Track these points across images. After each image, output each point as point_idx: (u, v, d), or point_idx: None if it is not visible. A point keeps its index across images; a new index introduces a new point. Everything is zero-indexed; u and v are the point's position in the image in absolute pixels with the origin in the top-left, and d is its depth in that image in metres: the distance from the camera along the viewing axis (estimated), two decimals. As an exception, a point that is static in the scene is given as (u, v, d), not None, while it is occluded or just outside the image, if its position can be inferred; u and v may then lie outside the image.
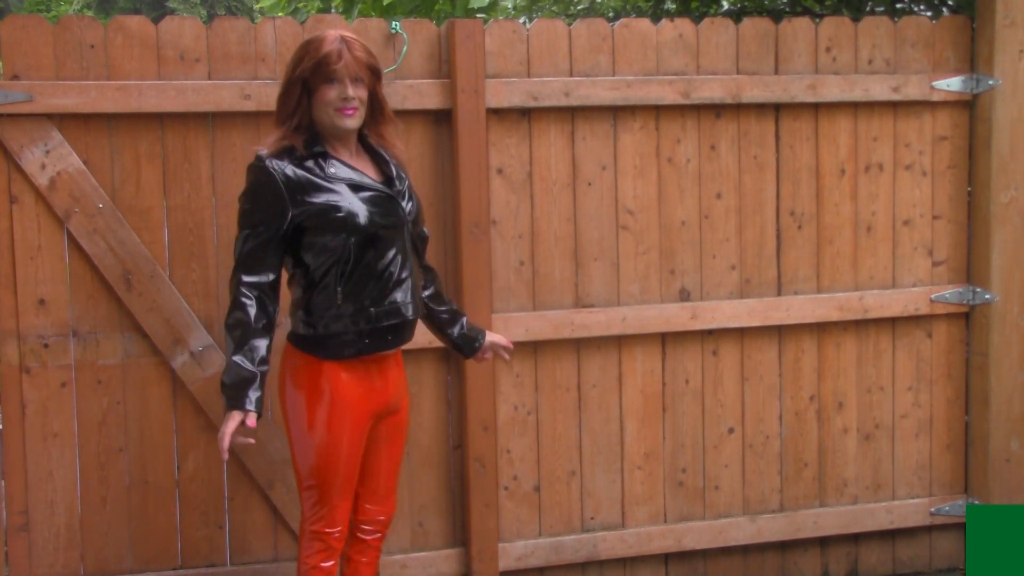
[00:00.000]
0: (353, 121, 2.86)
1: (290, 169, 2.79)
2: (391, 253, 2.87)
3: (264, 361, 2.80)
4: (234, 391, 2.75)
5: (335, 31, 2.87)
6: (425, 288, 3.13)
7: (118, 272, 3.41)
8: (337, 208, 2.80)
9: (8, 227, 3.36)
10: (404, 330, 2.98)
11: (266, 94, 3.45)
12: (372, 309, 2.86)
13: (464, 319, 3.23)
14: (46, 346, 3.40)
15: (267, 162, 2.80)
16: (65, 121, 3.36)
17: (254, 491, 3.57)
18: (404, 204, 2.93)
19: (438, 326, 3.21)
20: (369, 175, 2.92)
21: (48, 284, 3.39)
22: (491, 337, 3.28)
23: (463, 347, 3.24)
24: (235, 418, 2.74)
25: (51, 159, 3.35)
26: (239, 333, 2.78)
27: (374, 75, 2.90)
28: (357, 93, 2.84)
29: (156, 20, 3.46)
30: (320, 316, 2.85)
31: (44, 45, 3.34)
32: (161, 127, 3.45)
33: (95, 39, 3.37)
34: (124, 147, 3.42)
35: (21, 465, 3.41)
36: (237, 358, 2.76)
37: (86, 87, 3.34)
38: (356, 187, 2.84)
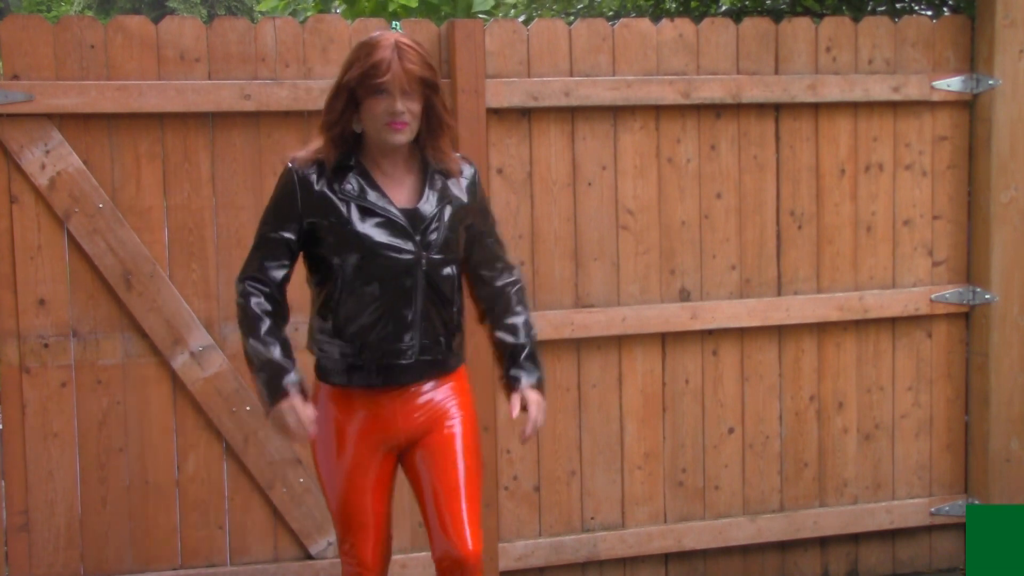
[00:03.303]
0: (402, 137, 2.62)
1: (313, 178, 2.64)
2: (396, 287, 2.62)
3: (279, 344, 2.64)
4: (268, 383, 2.61)
5: (392, 35, 2.62)
6: (488, 290, 2.87)
7: (118, 272, 3.41)
8: (339, 227, 2.62)
9: (8, 227, 3.36)
10: (399, 373, 2.68)
11: (266, 94, 3.45)
12: (358, 342, 2.64)
13: (522, 350, 2.83)
14: (46, 346, 3.39)
15: (293, 168, 2.66)
16: (65, 121, 3.36)
17: (254, 491, 3.57)
18: (428, 235, 2.65)
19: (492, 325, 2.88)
20: (399, 198, 2.67)
21: (48, 284, 3.38)
22: (529, 395, 2.78)
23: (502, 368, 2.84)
24: (289, 410, 2.60)
25: (51, 159, 3.35)
26: (252, 324, 2.64)
27: (429, 87, 2.63)
28: (407, 107, 2.59)
29: (156, 20, 3.46)
30: (315, 337, 2.73)
31: (44, 45, 3.34)
32: (161, 127, 3.45)
33: (95, 39, 3.37)
34: (124, 147, 3.42)
35: (21, 465, 3.41)
36: (254, 344, 2.62)
37: (86, 87, 3.34)
38: (366, 210, 2.63)
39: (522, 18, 7.61)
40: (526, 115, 3.70)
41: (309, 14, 7.33)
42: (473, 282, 2.86)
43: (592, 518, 3.87)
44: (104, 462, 3.46)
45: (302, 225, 2.67)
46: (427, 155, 2.71)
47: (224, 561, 3.56)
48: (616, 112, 3.77)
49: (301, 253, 2.73)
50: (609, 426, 3.85)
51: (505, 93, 3.63)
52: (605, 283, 3.80)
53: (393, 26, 3.58)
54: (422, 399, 2.73)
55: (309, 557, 3.61)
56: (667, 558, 3.94)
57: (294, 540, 3.60)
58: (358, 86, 2.59)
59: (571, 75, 3.72)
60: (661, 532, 3.89)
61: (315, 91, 3.48)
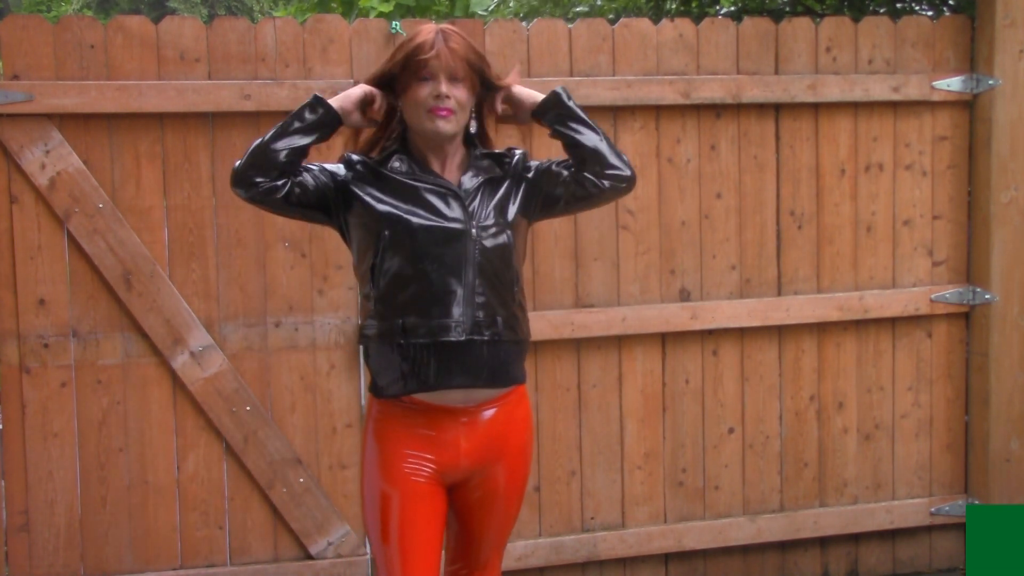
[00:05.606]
0: (446, 125, 2.39)
1: (358, 157, 2.50)
2: (442, 257, 2.37)
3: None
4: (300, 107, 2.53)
5: (435, 25, 2.46)
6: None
7: (118, 272, 3.41)
8: (383, 197, 2.42)
9: (8, 227, 3.36)
10: (453, 364, 2.38)
11: (266, 94, 3.45)
12: (400, 321, 2.37)
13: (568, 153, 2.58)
14: (46, 346, 3.40)
15: (344, 154, 2.53)
16: (65, 121, 3.37)
17: (254, 491, 3.57)
18: (475, 205, 2.43)
19: (574, 159, 2.59)
20: (445, 176, 2.48)
21: (48, 284, 3.39)
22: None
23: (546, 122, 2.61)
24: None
25: (51, 159, 3.35)
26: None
27: (477, 73, 2.43)
28: (453, 92, 2.38)
29: (156, 20, 3.46)
30: (362, 329, 2.47)
31: (44, 45, 3.34)
32: (161, 127, 3.45)
33: (95, 39, 3.37)
34: (124, 147, 3.42)
35: (21, 465, 3.41)
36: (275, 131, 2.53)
37: (86, 87, 3.34)
38: (412, 181, 2.43)
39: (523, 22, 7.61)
40: (526, 115, 3.70)
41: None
42: (575, 177, 2.57)
43: (592, 518, 3.86)
44: (104, 462, 3.46)
45: (334, 189, 2.49)
46: (476, 142, 2.55)
47: (224, 561, 3.56)
48: (616, 112, 3.77)
49: (348, 240, 2.53)
50: (609, 426, 3.85)
51: (505, 93, 3.62)
52: (605, 283, 3.80)
53: (393, 26, 3.58)
54: (487, 427, 2.47)
55: (309, 557, 3.61)
56: (667, 558, 3.94)
57: (294, 540, 3.60)
58: (401, 71, 2.40)
59: (571, 75, 3.72)
60: (661, 532, 3.89)
61: (315, 91, 3.47)
